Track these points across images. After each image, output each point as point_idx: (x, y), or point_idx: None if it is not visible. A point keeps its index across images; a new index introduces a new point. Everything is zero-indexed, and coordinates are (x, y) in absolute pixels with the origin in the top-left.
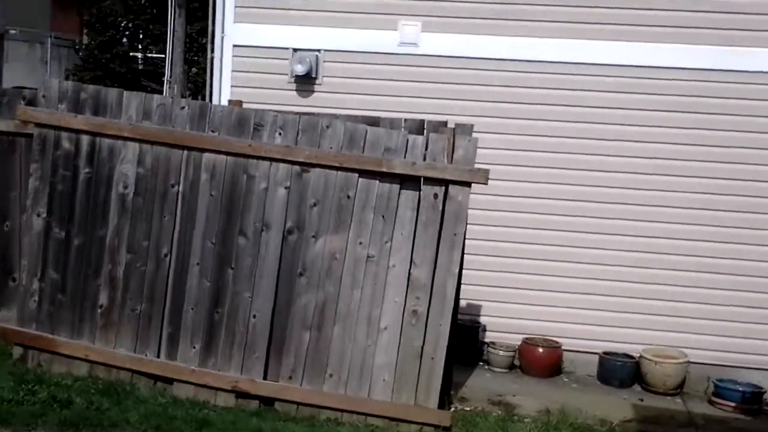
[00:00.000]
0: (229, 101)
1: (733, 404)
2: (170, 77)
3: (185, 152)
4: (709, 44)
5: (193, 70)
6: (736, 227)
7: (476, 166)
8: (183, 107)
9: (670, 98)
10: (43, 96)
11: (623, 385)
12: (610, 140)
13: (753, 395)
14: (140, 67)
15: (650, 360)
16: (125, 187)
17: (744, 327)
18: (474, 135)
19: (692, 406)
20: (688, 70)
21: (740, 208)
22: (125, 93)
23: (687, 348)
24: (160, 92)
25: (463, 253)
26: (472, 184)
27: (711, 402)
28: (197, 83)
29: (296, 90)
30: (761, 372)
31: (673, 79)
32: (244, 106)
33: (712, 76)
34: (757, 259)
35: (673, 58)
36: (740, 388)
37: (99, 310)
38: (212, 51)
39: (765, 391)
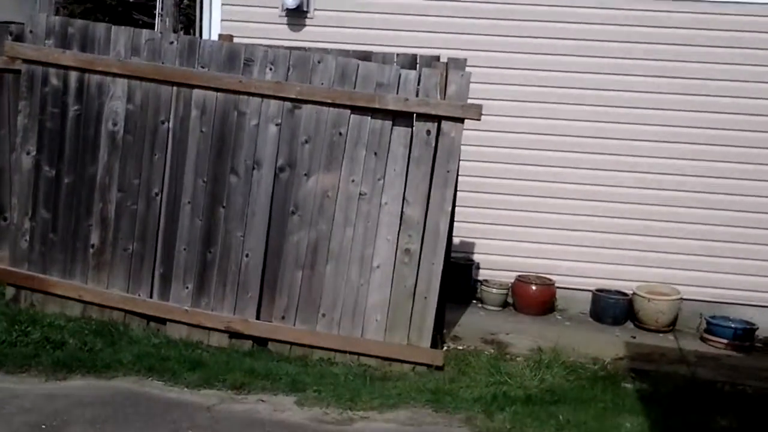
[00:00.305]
0: (220, 36)
1: (725, 341)
2: (162, 10)
3: (175, 88)
4: None
5: (185, 1)
6: (728, 161)
7: (470, 101)
8: (172, 42)
9: (679, 31)
10: (30, 31)
11: (616, 323)
12: (608, 74)
13: (745, 332)
14: None
15: (643, 297)
16: (115, 125)
17: (736, 263)
18: (467, 69)
19: (684, 344)
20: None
21: (733, 143)
22: (113, 28)
23: (680, 285)
24: (152, 25)
25: (456, 191)
26: (466, 120)
27: (703, 339)
28: (189, 16)
29: (287, 24)
30: (754, 308)
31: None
32: (235, 40)
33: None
34: (749, 194)
35: None
36: (732, 325)
37: (91, 250)
38: None
39: (757, 328)
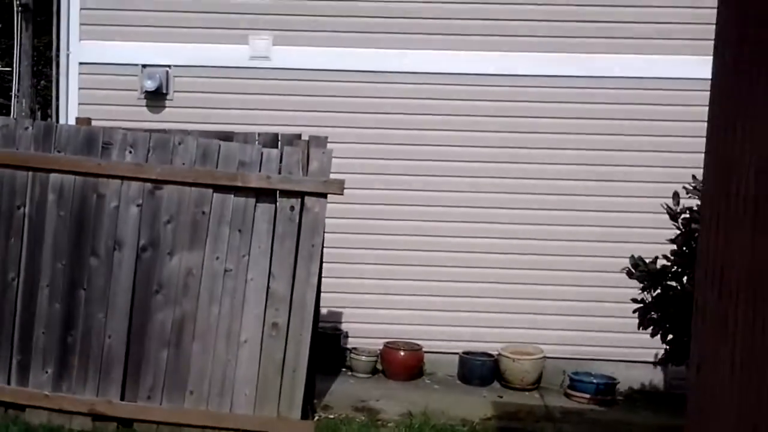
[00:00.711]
0: (77, 119)
1: (587, 396)
2: (18, 92)
3: (31, 173)
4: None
5: (42, 83)
6: (580, 225)
7: (332, 176)
8: (27, 128)
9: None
10: None
11: (483, 383)
12: (459, 146)
13: (606, 386)
14: None
15: (508, 357)
16: None
17: (594, 321)
18: (329, 146)
19: (550, 400)
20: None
21: (587, 208)
22: None
23: (543, 344)
24: (8, 107)
25: (321, 263)
26: (329, 195)
27: (567, 395)
28: (46, 97)
29: (147, 106)
30: (614, 363)
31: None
32: (94, 123)
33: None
34: (602, 255)
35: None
36: (594, 380)
37: None
38: (58, 68)
39: (618, 382)
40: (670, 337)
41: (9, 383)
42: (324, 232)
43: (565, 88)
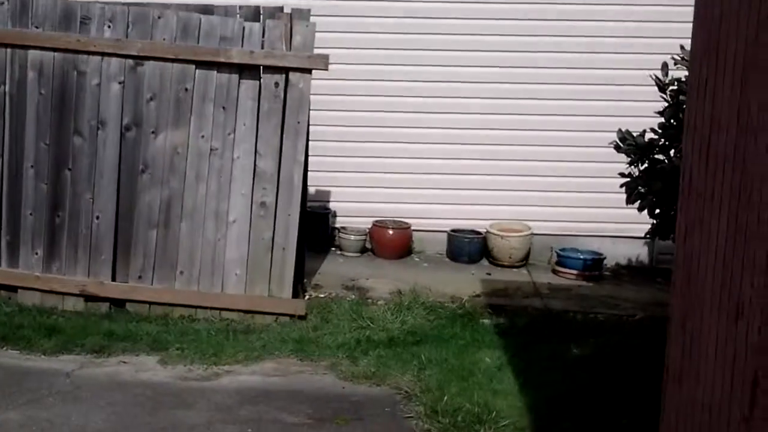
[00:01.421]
0: None
1: (575, 272)
2: None
3: (9, 50)
4: None
5: None
6: (566, 99)
7: (316, 51)
8: (2, 3)
9: None
10: None
11: (472, 261)
12: (456, 18)
13: (594, 262)
14: None
15: (496, 234)
16: None
17: (581, 196)
18: (312, 20)
19: (537, 277)
20: None
21: (567, 80)
22: None
23: (531, 221)
24: None
25: (308, 141)
26: (313, 71)
27: (555, 271)
28: None
29: None
30: (601, 239)
31: None
32: None
33: None
34: (586, 129)
35: None
36: (581, 256)
37: None
38: None
39: (604, 257)
40: (657, 211)
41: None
42: (309, 109)
43: None
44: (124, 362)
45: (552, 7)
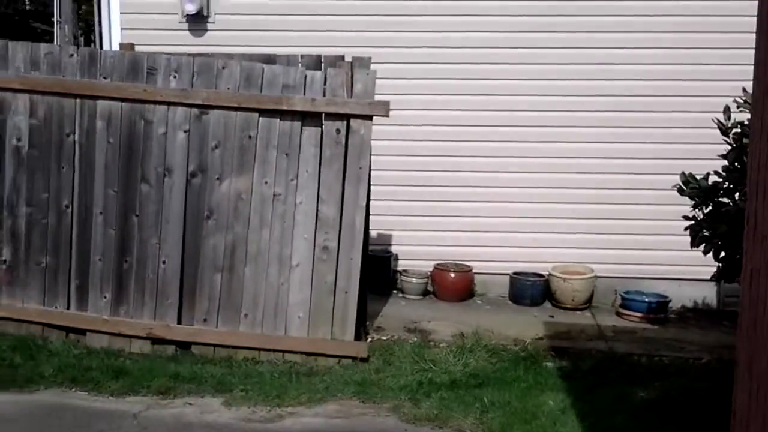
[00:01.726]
0: (120, 45)
1: (639, 314)
2: (60, 17)
3: (78, 101)
4: None
5: (83, 7)
6: (628, 142)
7: (377, 98)
8: (72, 55)
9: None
10: None
11: (534, 304)
12: (509, 64)
13: (659, 304)
14: (27, 7)
15: (558, 277)
16: (18, 140)
17: (645, 239)
18: (372, 67)
19: (601, 319)
20: None
21: (635, 124)
22: (10, 44)
23: (594, 263)
24: (50, 32)
25: (369, 185)
26: (374, 117)
27: (619, 314)
28: (88, 22)
29: (189, 29)
30: (665, 281)
31: None
32: (137, 48)
33: None
34: (650, 172)
35: None
36: (646, 299)
37: (3, 266)
38: None
39: (670, 300)
40: (722, 254)
41: (68, 308)
42: (371, 155)
43: (618, 0)
44: (190, 404)
45: (618, 51)
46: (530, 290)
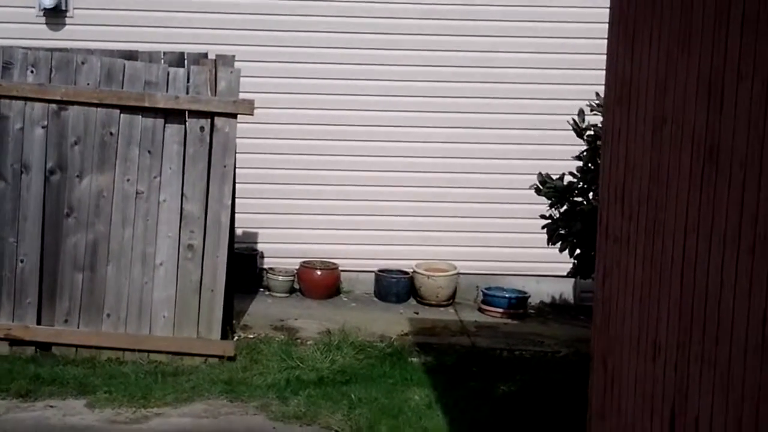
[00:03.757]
0: None
1: (500, 310)
2: None
3: None
4: None
5: None
6: (488, 143)
7: (241, 96)
8: None
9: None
10: None
11: (400, 300)
12: (375, 65)
13: (518, 300)
14: None
15: (423, 274)
16: None
17: (505, 237)
18: (237, 65)
19: (464, 315)
20: None
21: (496, 125)
22: None
23: (456, 260)
24: None
25: (235, 183)
26: (239, 115)
27: (481, 310)
28: None
29: (47, 24)
30: (524, 278)
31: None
32: None
33: None
34: (508, 172)
35: None
36: (506, 295)
37: None
38: None
39: (529, 296)
40: (577, 251)
41: None
42: (236, 153)
43: (470, 6)
44: (51, 406)
45: (474, 55)
46: (395, 287)
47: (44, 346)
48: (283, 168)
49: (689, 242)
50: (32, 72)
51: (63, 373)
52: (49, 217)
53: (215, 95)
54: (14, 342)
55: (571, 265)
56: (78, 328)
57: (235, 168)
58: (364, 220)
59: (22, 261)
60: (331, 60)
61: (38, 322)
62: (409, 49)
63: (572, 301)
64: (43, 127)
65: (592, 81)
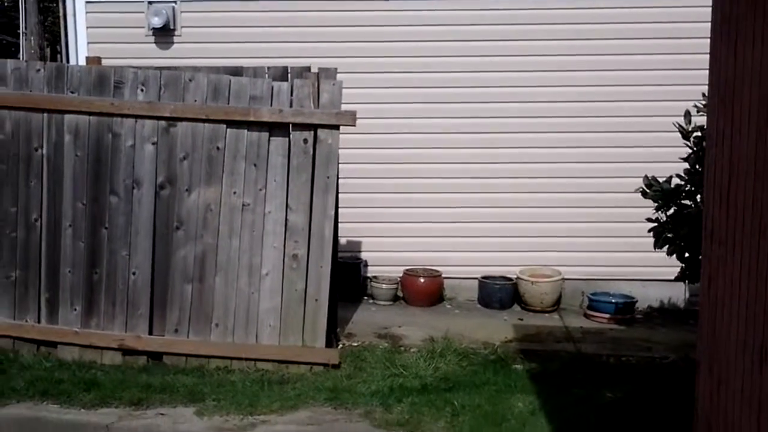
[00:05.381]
0: (87, 59)
1: (607, 315)
2: (25, 29)
3: (46, 115)
4: None
5: (50, 19)
6: (593, 147)
7: (344, 107)
8: (39, 70)
9: (535, 27)
10: None
11: (503, 307)
12: (476, 71)
13: (625, 305)
14: None
15: (527, 280)
16: None
17: (610, 241)
18: (339, 77)
19: (569, 321)
20: None
21: (601, 128)
22: None
23: (561, 266)
24: (16, 44)
25: (338, 194)
26: (341, 126)
27: (586, 315)
28: (55, 33)
29: (155, 43)
30: (631, 282)
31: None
32: (103, 62)
33: None
34: (614, 176)
35: None
36: (613, 300)
37: None
38: (65, 6)
39: (636, 301)
40: (685, 255)
41: (39, 321)
42: (338, 163)
43: (576, 9)
44: (162, 414)
45: (578, 58)
46: (499, 294)
47: (155, 356)
48: (386, 177)
49: None
50: (142, 90)
51: (173, 381)
52: (159, 231)
53: (318, 107)
54: (127, 352)
55: (678, 269)
56: (187, 337)
57: (337, 178)
58: (467, 227)
59: (134, 273)
60: (437, 69)
61: (150, 333)
62: (514, 55)
63: (681, 306)
64: (153, 144)
65: (700, 81)
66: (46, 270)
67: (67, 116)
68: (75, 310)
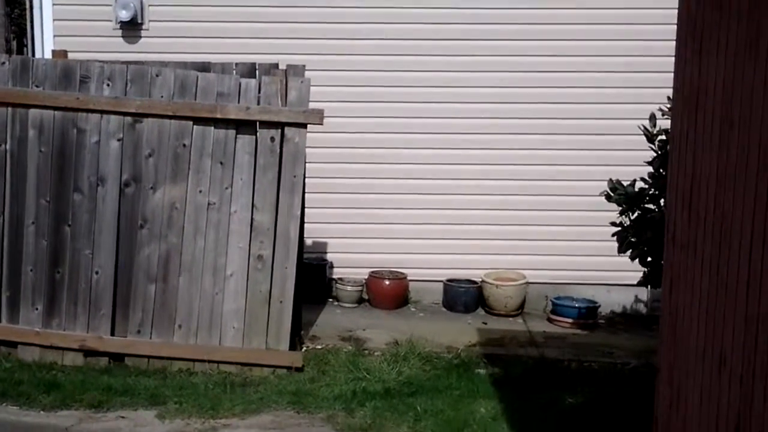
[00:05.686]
0: (53, 52)
1: (570, 320)
2: None
3: (10, 109)
4: None
5: (16, 11)
6: (558, 149)
7: (311, 105)
8: (3, 63)
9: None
10: None
11: (468, 310)
12: (443, 71)
13: (588, 310)
14: None
15: (491, 284)
16: None
17: (575, 245)
18: (307, 75)
19: (533, 325)
20: None
21: (566, 131)
22: None
23: (526, 270)
24: None
25: (304, 193)
26: (308, 125)
27: (550, 320)
28: (21, 26)
29: (123, 37)
30: (594, 287)
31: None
32: (70, 56)
33: None
34: (578, 179)
35: None
36: (576, 305)
37: None
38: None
39: (599, 305)
40: (648, 259)
41: (0, 321)
42: (305, 163)
43: (541, 9)
44: (123, 417)
45: (543, 59)
46: (463, 297)
47: (117, 357)
48: (353, 177)
49: (756, 251)
50: (108, 85)
51: (135, 383)
52: (124, 229)
53: (285, 105)
54: (88, 353)
55: (642, 274)
56: (150, 339)
57: (304, 178)
58: (433, 230)
59: (97, 272)
60: (403, 68)
61: (112, 333)
62: (480, 55)
63: (644, 311)
64: (118, 140)
65: (667, 84)
66: (8, 268)
67: (31, 111)
68: (36, 309)
